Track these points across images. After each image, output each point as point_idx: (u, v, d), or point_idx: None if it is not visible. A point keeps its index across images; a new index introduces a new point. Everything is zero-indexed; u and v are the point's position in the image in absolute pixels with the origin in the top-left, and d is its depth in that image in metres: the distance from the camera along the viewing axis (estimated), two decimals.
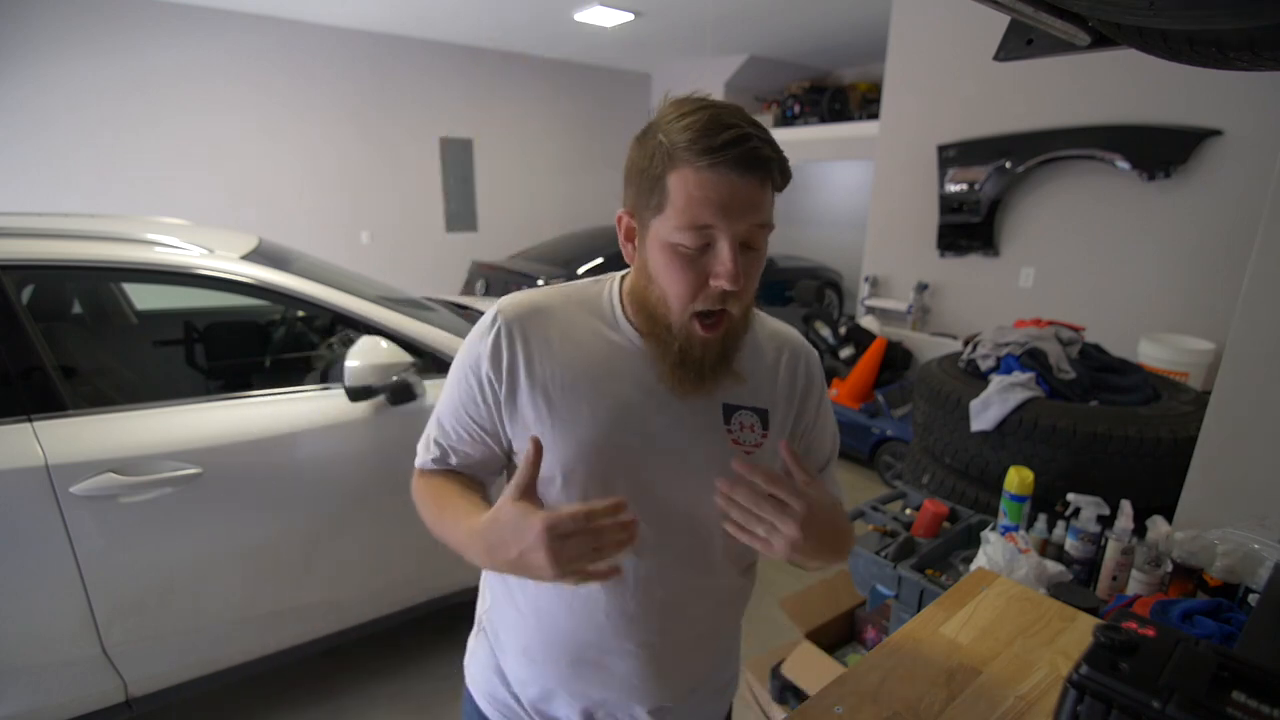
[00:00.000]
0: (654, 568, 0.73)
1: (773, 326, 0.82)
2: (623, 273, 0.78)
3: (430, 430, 0.80)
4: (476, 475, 0.81)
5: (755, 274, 0.67)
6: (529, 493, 0.62)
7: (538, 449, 0.63)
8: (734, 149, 0.59)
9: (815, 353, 0.82)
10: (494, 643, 0.83)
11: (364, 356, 1.58)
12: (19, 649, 1.36)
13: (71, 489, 1.31)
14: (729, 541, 0.75)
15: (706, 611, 0.79)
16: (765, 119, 6.50)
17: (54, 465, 1.30)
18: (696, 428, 0.72)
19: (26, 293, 1.78)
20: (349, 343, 1.69)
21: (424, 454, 0.81)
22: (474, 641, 0.88)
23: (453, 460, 0.79)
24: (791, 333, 0.82)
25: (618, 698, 0.77)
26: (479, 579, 0.88)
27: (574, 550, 0.58)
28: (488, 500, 0.76)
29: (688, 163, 0.60)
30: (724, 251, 0.62)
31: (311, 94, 5.51)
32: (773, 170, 0.62)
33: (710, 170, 0.60)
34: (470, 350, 0.74)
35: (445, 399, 0.78)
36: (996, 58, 0.94)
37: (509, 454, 0.78)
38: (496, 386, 0.71)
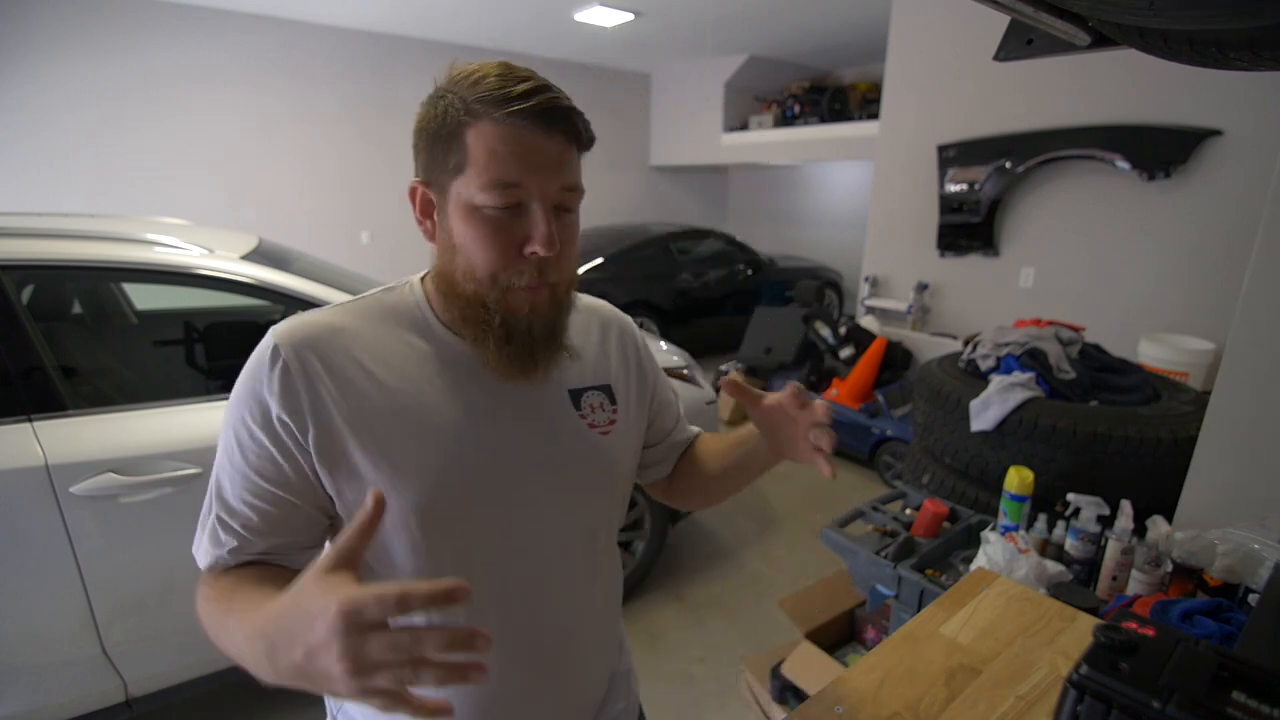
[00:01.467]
0: (544, 587, 0.67)
1: (587, 302, 0.79)
2: (420, 274, 0.69)
3: (213, 514, 0.60)
4: (289, 562, 0.62)
5: (572, 242, 0.62)
6: (349, 563, 0.43)
7: (379, 504, 0.45)
8: (534, 97, 0.55)
9: (628, 317, 0.82)
10: None
11: None
12: (19, 649, 1.36)
13: (71, 489, 1.31)
14: (609, 534, 0.74)
15: (599, 614, 0.74)
16: (765, 119, 6.49)
17: (54, 465, 1.30)
18: (551, 422, 0.67)
19: (26, 293, 1.78)
20: None
21: (212, 549, 0.60)
22: None
23: (257, 544, 0.59)
24: (603, 304, 0.81)
25: None
26: None
27: (379, 655, 0.38)
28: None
29: (486, 115, 0.56)
30: (537, 215, 0.57)
31: (311, 94, 5.51)
32: (576, 123, 0.58)
33: (511, 122, 0.55)
34: (249, 398, 0.58)
35: (226, 469, 0.60)
36: (996, 58, 0.94)
37: (332, 515, 0.63)
38: (299, 435, 0.57)
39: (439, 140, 0.58)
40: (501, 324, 0.60)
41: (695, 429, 0.89)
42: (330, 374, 0.59)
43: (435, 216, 0.62)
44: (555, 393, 0.68)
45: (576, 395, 0.70)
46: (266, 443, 0.58)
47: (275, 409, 0.57)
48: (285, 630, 0.42)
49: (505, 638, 0.63)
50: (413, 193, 0.63)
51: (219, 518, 0.60)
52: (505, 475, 0.63)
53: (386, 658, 0.38)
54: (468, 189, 0.57)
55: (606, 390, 0.72)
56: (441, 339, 0.64)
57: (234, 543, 0.59)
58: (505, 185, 0.56)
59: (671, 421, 0.85)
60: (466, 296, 0.61)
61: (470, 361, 0.64)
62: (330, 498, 0.61)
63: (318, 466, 0.58)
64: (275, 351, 0.58)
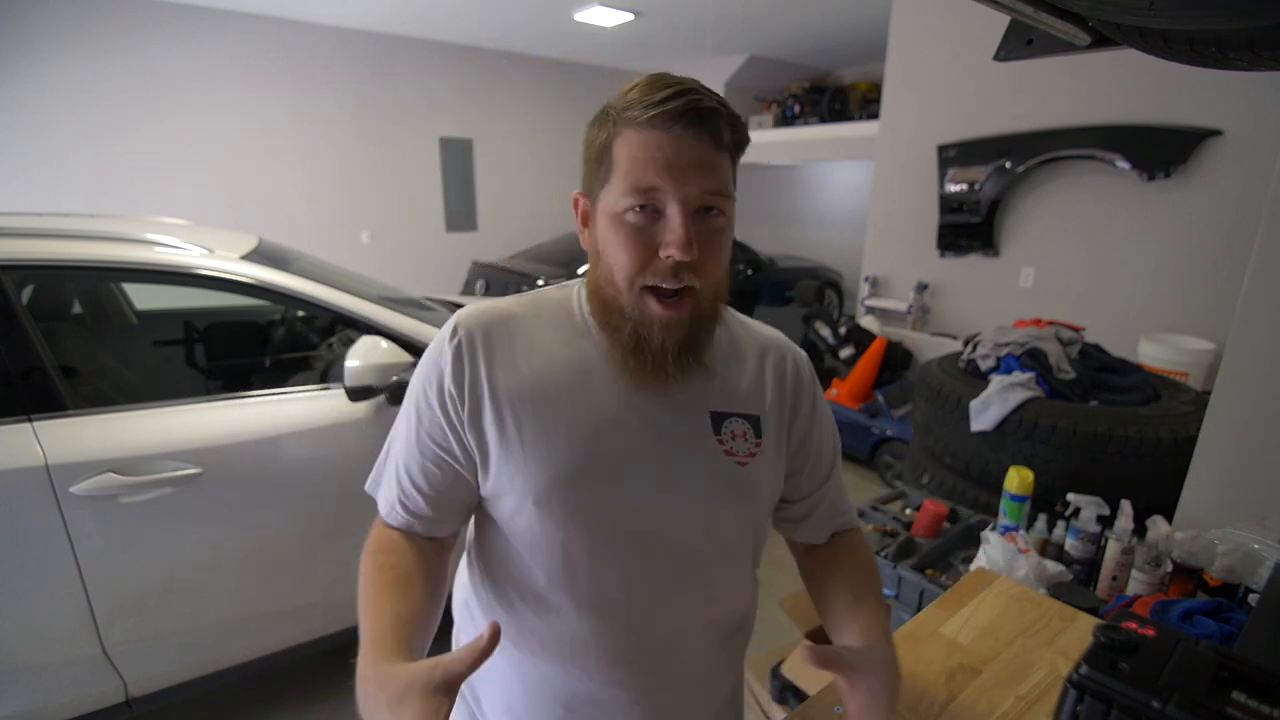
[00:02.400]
0: (647, 600, 0.66)
1: (758, 330, 0.76)
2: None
3: (390, 471, 0.69)
4: (444, 531, 0.70)
5: (718, 248, 0.60)
6: (448, 690, 0.50)
7: (494, 637, 0.51)
8: (674, 101, 0.55)
9: (804, 353, 0.76)
10: (475, 708, 0.77)
11: (364, 356, 1.58)
12: (19, 649, 1.35)
13: (71, 489, 1.31)
14: (730, 568, 0.70)
15: (706, 647, 0.71)
16: (765, 119, 6.49)
17: (54, 465, 1.30)
18: (684, 440, 0.65)
19: (26, 293, 1.78)
20: (349, 343, 1.69)
21: (385, 497, 0.70)
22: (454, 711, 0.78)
23: (419, 504, 0.67)
24: (777, 335, 0.76)
25: None
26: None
27: None
28: (441, 574, 0.68)
29: (629, 122, 0.57)
30: (674, 218, 0.57)
31: (311, 94, 5.51)
32: (719, 124, 0.57)
33: (651, 126, 0.56)
34: (429, 367, 0.65)
35: (405, 433, 0.67)
36: (996, 58, 0.94)
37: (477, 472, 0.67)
38: (459, 405, 0.63)
39: (595, 152, 0.61)
40: (632, 332, 0.61)
41: (853, 517, 0.81)
42: (492, 356, 0.64)
43: (590, 227, 0.64)
44: (695, 412, 0.66)
45: (719, 419, 0.67)
46: (438, 411, 0.64)
47: (448, 380, 0.63)
48: (375, 700, 0.53)
49: (601, 644, 0.66)
50: (575, 204, 0.66)
51: (396, 473, 0.68)
52: (622, 482, 0.63)
53: None
54: (611, 195, 0.59)
55: (753, 421, 0.69)
56: (594, 339, 0.66)
57: (401, 498, 0.67)
58: (643, 189, 0.57)
59: (814, 484, 0.76)
60: (607, 302, 0.63)
61: (615, 366, 0.65)
62: (477, 470, 0.66)
63: (467, 437, 0.64)
64: (454, 331, 0.65)
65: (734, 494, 0.67)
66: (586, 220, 0.65)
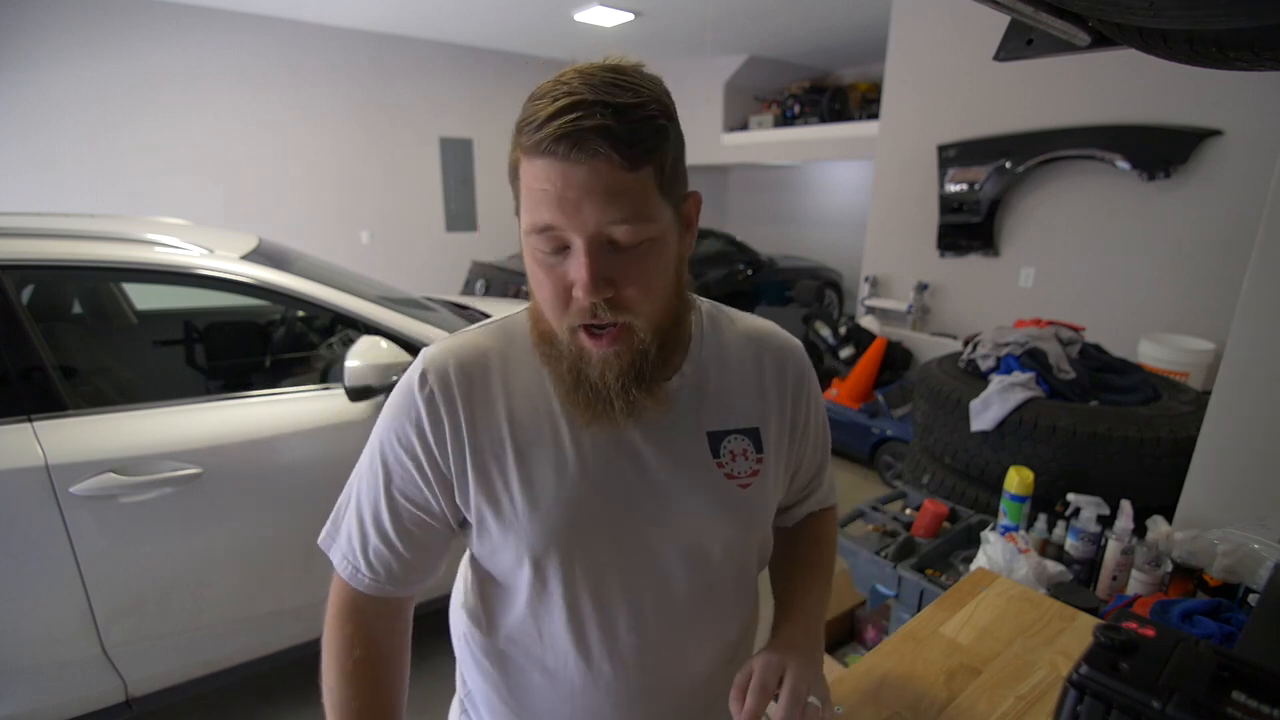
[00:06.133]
0: (658, 638, 0.63)
1: (746, 325, 0.69)
2: None
3: (351, 528, 0.63)
4: (413, 588, 0.66)
5: (643, 278, 0.53)
6: None
7: None
8: (555, 121, 0.47)
9: (800, 346, 0.70)
10: None
11: (364, 356, 1.58)
12: (19, 649, 1.36)
13: (71, 489, 1.31)
14: (740, 591, 0.69)
15: (718, 670, 0.69)
16: (765, 119, 6.49)
17: (54, 465, 1.30)
18: (681, 470, 0.61)
19: (26, 293, 1.78)
20: (349, 343, 1.69)
21: (348, 559, 0.63)
22: None
23: (390, 562, 0.63)
24: (770, 328, 0.70)
25: None
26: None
27: None
28: (408, 637, 0.68)
29: (523, 147, 0.50)
30: (577, 256, 0.51)
31: (311, 94, 5.51)
32: (609, 143, 0.47)
33: (539, 155, 0.49)
34: (398, 418, 0.60)
35: (369, 483, 0.62)
36: (996, 58, 0.94)
37: (457, 527, 0.65)
38: (440, 463, 0.59)
39: (509, 172, 0.54)
40: (570, 368, 0.56)
41: (830, 498, 0.80)
42: (469, 404, 0.59)
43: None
44: (689, 436, 0.62)
45: (716, 439, 0.62)
46: (412, 470, 0.60)
47: (422, 437, 0.59)
48: None
49: (618, 690, 0.63)
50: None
51: (361, 530, 0.63)
52: (621, 524, 0.60)
53: None
54: (524, 226, 0.53)
55: (753, 435, 0.64)
56: None
57: (368, 557, 0.62)
58: (542, 229, 0.51)
59: (805, 479, 0.75)
60: (545, 334, 0.58)
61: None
62: (458, 520, 0.63)
63: (455, 492, 0.60)
64: (424, 378, 0.59)
65: (739, 521, 0.64)
66: None
